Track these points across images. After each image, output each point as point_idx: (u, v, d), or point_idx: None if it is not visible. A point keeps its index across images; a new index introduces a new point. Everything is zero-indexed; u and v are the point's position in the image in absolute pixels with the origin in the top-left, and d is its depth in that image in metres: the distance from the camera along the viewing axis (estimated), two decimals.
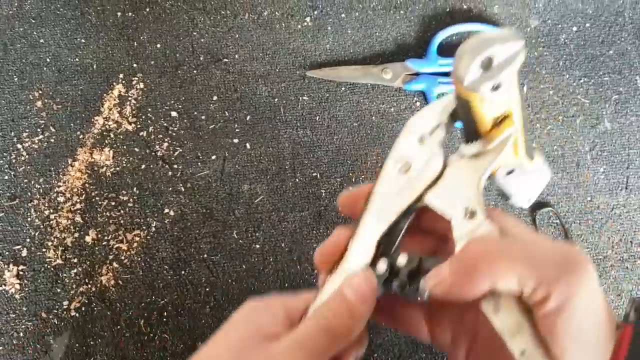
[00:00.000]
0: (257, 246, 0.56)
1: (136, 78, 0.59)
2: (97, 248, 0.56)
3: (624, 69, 0.61)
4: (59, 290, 0.55)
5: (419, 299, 0.27)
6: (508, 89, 0.26)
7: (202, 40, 0.60)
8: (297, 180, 0.58)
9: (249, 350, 0.26)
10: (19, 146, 0.58)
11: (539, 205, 0.58)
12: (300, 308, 0.29)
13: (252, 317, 0.28)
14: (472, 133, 0.28)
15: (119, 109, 0.58)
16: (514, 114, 0.28)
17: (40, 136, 0.58)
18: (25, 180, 0.57)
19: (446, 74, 0.59)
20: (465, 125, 0.29)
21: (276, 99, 0.59)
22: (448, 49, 0.61)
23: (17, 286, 0.55)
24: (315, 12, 0.61)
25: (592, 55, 0.61)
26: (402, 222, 0.29)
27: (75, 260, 0.55)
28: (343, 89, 0.60)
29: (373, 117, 0.59)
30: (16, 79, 0.59)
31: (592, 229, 0.57)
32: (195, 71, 0.60)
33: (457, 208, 0.27)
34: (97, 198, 0.57)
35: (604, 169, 0.59)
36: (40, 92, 0.59)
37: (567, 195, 0.58)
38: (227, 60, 0.60)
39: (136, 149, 0.58)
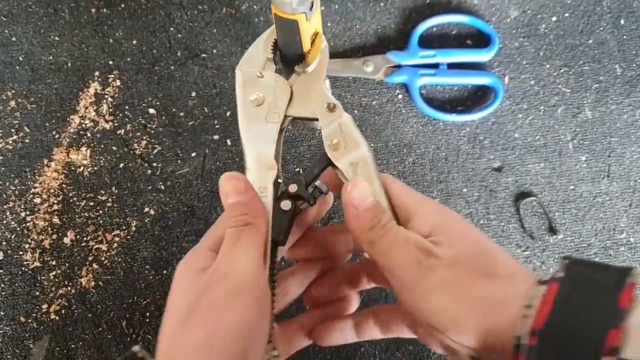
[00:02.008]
0: None
1: (112, 75, 0.60)
2: (76, 249, 0.56)
3: (603, 58, 0.63)
4: (37, 293, 0.55)
5: (323, 193, 0.36)
6: (316, 8, 0.35)
7: (179, 35, 0.61)
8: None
9: (192, 287, 0.29)
10: None
11: (522, 194, 0.60)
12: (222, 236, 0.32)
13: (186, 268, 0.31)
14: (298, 53, 0.36)
15: (95, 107, 0.59)
16: (320, 30, 0.37)
17: (15, 136, 0.58)
18: (0, 182, 0.57)
19: (428, 66, 0.61)
20: (292, 48, 0.36)
21: None
22: (429, 41, 0.62)
23: None
24: None
25: (571, 45, 0.63)
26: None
27: (54, 263, 0.56)
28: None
29: (355, 111, 0.61)
30: None
31: (575, 218, 0.59)
32: (172, 67, 0.61)
33: (320, 107, 0.36)
34: (74, 198, 0.57)
35: (586, 158, 0.61)
36: (13, 91, 0.59)
37: (549, 185, 0.60)
38: (205, 55, 0.61)
39: (114, 148, 0.59)
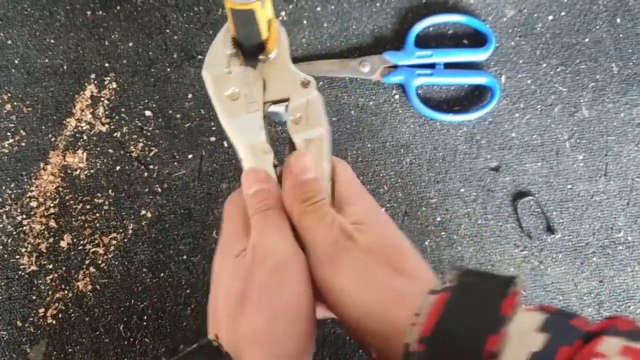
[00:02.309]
0: None
1: (108, 78, 0.60)
2: (72, 253, 0.56)
3: (600, 56, 0.63)
4: (34, 297, 0.55)
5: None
6: None
7: (175, 37, 0.62)
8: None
9: (237, 271, 0.31)
10: None
11: (520, 194, 0.60)
12: (243, 222, 0.34)
13: (222, 255, 0.33)
14: (257, 42, 0.37)
15: (91, 109, 0.59)
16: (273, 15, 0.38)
17: (11, 140, 0.58)
18: None
19: (424, 66, 0.61)
20: (252, 39, 0.37)
21: None
22: (425, 41, 0.63)
23: None
24: (290, 6, 0.63)
25: (568, 44, 0.63)
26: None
27: (51, 266, 0.56)
28: (321, 83, 0.61)
29: (352, 111, 0.61)
30: None
31: (573, 217, 0.60)
32: (169, 69, 0.61)
33: (294, 84, 0.38)
34: (71, 202, 0.57)
35: (583, 157, 0.61)
36: (9, 95, 0.59)
37: (547, 184, 0.60)
38: (201, 57, 0.61)
39: (110, 150, 0.59)
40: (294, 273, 0.30)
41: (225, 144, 0.60)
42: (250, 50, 0.37)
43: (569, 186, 0.60)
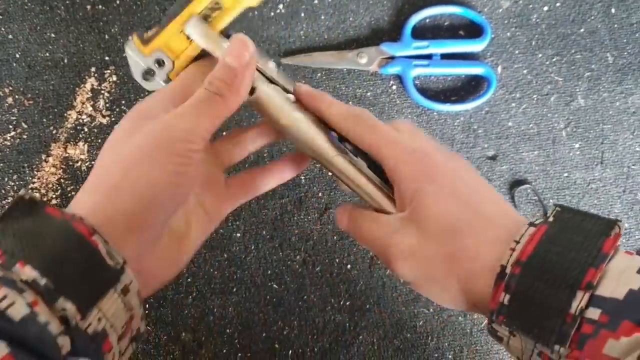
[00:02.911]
0: (238, 235, 0.59)
1: (109, 71, 0.62)
2: None
3: (595, 46, 0.65)
4: None
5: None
6: None
7: None
8: None
9: (144, 120, 0.30)
10: None
11: (517, 182, 0.61)
12: (187, 87, 0.33)
13: (136, 113, 0.32)
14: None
15: (92, 102, 0.61)
16: None
17: (12, 133, 0.60)
18: None
19: (421, 57, 0.62)
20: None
21: None
22: (422, 32, 0.64)
23: None
24: None
25: (563, 34, 0.65)
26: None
27: None
28: (319, 75, 0.63)
29: (350, 102, 0.62)
30: None
31: (570, 204, 0.61)
32: None
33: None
34: (73, 193, 0.59)
35: (580, 145, 0.62)
36: (10, 88, 0.61)
37: (544, 172, 0.62)
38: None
39: None
40: (167, 156, 0.30)
41: (224, 133, 0.61)
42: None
43: (566, 174, 0.62)
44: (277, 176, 0.40)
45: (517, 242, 0.27)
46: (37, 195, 0.57)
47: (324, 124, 0.36)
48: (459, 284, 0.29)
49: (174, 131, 0.30)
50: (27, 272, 0.25)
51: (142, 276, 0.29)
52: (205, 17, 0.34)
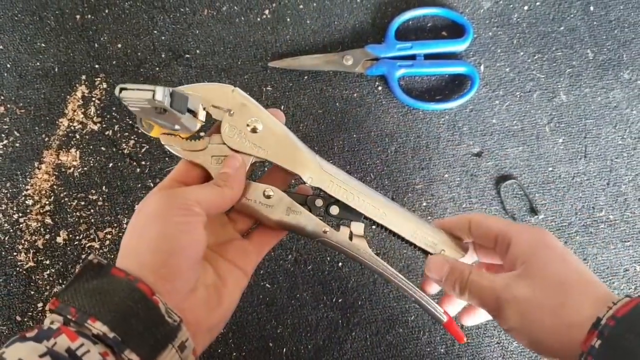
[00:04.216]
0: None
1: (99, 78, 0.64)
2: (69, 248, 0.60)
3: (575, 43, 0.68)
4: (32, 292, 0.59)
5: None
6: None
7: (162, 38, 0.66)
8: (265, 169, 0.63)
9: (167, 193, 0.37)
10: None
11: (502, 177, 0.64)
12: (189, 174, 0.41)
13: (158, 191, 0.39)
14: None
15: (83, 109, 0.63)
16: None
17: (5, 141, 0.62)
18: None
19: (405, 57, 0.65)
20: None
21: None
22: (405, 33, 0.67)
23: None
24: (274, 5, 0.67)
25: (544, 32, 0.68)
26: None
27: (48, 262, 0.59)
28: (306, 77, 0.66)
29: (337, 104, 0.65)
30: None
31: (555, 198, 0.64)
32: (157, 68, 0.65)
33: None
34: (66, 199, 0.61)
35: (563, 140, 0.65)
36: (2, 97, 0.63)
37: (529, 167, 0.64)
38: (188, 56, 0.65)
39: (103, 148, 0.63)
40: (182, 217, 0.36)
41: None
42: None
43: (550, 168, 0.65)
44: None
45: (614, 304, 0.32)
46: (31, 202, 0.59)
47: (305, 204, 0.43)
48: (557, 328, 0.34)
49: (177, 194, 0.37)
50: (98, 326, 0.30)
51: (189, 327, 0.34)
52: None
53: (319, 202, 0.42)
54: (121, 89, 0.34)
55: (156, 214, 0.35)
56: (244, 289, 0.41)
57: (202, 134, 0.41)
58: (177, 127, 0.38)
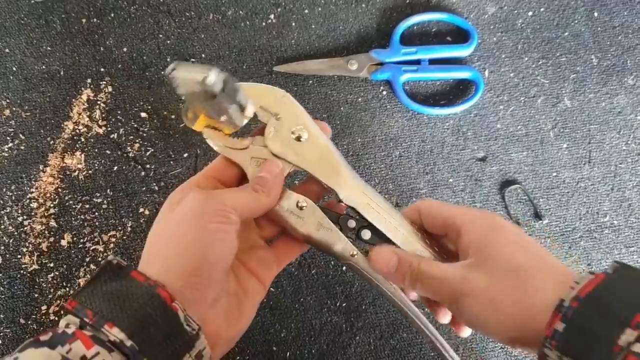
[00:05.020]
0: None
1: (104, 82, 0.65)
2: (73, 251, 0.60)
3: (580, 49, 0.69)
4: (36, 295, 0.59)
5: None
6: None
7: (168, 42, 0.66)
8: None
9: (201, 195, 0.36)
10: None
11: (507, 182, 0.65)
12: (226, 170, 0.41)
13: (188, 186, 0.39)
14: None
15: (88, 113, 0.64)
16: None
17: (10, 144, 0.63)
18: None
19: (410, 62, 0.66)
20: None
21: None
22: (410, 38, 0.68)
23: None
24: (279, 10, 0.68)
25: (548, 38, 0.69)
26: None
27: (52, 265, 0.60)
28: (311, 82, 0.66)
29: (342, 108, 0.66)
30: None
31: (559, 203, 0.64)
32: (162, 72, 0.66)
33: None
34: (70, 202, 0.62)
35: (567, 145, 0.66)
36: (7, 100, 0.64)
37: (533, 172, 0.65)
38: (194, 60, 0.66)
39: (108, 152, 0.63)
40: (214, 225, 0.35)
41: None
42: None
43: (554, 174, 0.65)
44: None
45: (577, 284, 0.31)
46: (35, 205, 0.60)
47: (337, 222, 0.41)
48: (520, 316, 0.33)
49: (215, 198, 0.36)
50: (115, 333, 0.29)
51: (209, 337, 0.33)
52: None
53: (352, 223, 0.41)
54: (173, 68, 0.33)
55: (191, 217, 0.34)
56: (259, 302, 0.40)
57: (246, 138, 0.41)
58: (223, 118, 0.37)
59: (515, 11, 0.70)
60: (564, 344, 0.30)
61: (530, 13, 0.70)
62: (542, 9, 0.70)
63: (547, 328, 0.31)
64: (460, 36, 0.68)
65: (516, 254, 0.35)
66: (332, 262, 0.62)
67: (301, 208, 0.40)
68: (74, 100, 0.65)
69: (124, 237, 0.61)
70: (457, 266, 0.36)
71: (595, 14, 0.70)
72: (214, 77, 0.33)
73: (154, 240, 0.35)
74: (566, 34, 0.69)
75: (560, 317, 0.30)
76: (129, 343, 0.29)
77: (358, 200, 0.40)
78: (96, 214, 0.62)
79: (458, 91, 0.67)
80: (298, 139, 0.40)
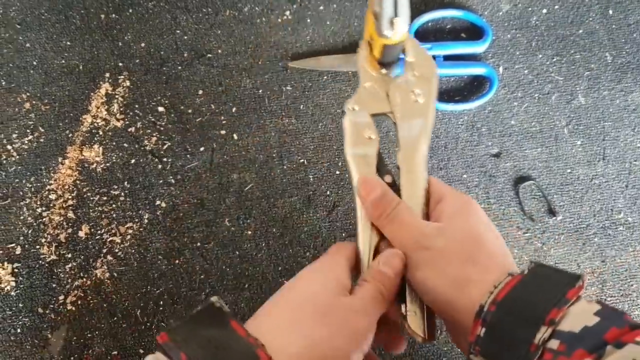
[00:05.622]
0: (249, 232, 0.62)
1: (122, 76, 0.66)
2: (90, 242, 0.61)
3: (594, 46, 0.69)
4: (54, 285, 0.60)
5: None
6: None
7: (185, 37, 0.67)
8: (284, 167, 0.64)
9: (332, 297, 0.35)
10: (9, 147, 0.64)
11: (521, 179, 0.65)
12: (353, 257, 0.40)
13: (333, 265, 0.38)
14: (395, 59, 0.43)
15: (106, 106, 0.65)
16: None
17: (30, 137, 0.64)
18: (17, 180, 0.63)
19: None
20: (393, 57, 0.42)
21: (260, 90, 0.66)
22: (425, 35, 0.68)
23: (13, 283, 0.60)
24: (295, 6, 0.69)
25: (562, 35, 0.69)
26: None
27: (70, 255, 0.61)
28: (325, 77, 0.67)
29: None
30: (4, 83, 0.65)
31: (573, 199, 0.64)
32: (180, 67, 0.66)
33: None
34: (88, 194, 0.62)
35: (582, 142, 0.66)
36: (28, 94, 0.65)
37: (547, 169, 0.65)
38: (210, 55, 0.67)
39: (125, 145, 0.64)
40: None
41: (235, 136, 0.65)
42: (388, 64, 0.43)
43: (569, 170, 0.65)
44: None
45: (495, 287, 0.32)
46: (54, 196, 0.61)
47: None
48: (460, 288, 0.34)
49: (358, 326, 0.34)
50: None
51: None
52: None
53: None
54: None
55: (337, 334, 0.33)
56: None
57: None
58: (384, 29, 0.38)
59: (530, 8, 0.70)
60: (485, 349, 0.31)
61: (544, 10, 0.70)
62: (556, 7, 0.70)
63: (471, 334, 0.32)
64: (474, 33, 0.69)
65: (479, 229, 0.37)
66: None
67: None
68: (92, 94, 0.66)
69: (141, 229, 0.62)
70: (428, 224, 0.38)
71: (610, 12, 0.70)
72: None
73: (284, 312, 0.34)
74: (580, 31, 0.69)
75: (480, 322, 0.31)
76: None
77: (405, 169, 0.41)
78: (113, 206, 0.63)
79: (472, 87, 0.68)
80: (415, 100, 0.41)
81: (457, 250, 0.35)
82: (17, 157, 0.63)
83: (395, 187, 0.41)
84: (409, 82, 0.42)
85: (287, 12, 0.69)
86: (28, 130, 0.64)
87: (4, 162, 0.63)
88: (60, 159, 0.64)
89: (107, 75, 0.66)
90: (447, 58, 0.67)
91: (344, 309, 0.34)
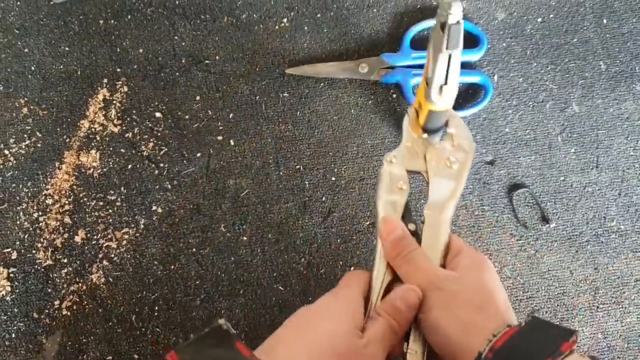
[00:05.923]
0: (245, 238, 0.63)
1: (120, 82, 0.66)
2: (86, 247, 0.61)
3: (588, 55, 0.69)
4: (49, 290, 0.60)
5: None
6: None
7: (183, 43, 0.68)
8: (281, 173, 0.65)
9: (349, 339, 0.37)
10: (6, 152, 0.64)
11: (515, 186, 0.65)
12: (367, 288, 0.42)
13: (349, 300, 0.40)
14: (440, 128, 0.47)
15: (104, 112, 0.65)
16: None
17: (27, 141, 0.64)
18: (14, 185, 0.63)
19: (420, 66, 0.67)
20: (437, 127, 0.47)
21: (257, 97, 0.67)
22: (420, 43, 0.69)
23: (8, 288, 0.60)
24: (292, 13, 0.69)
25: (557, 44, 0.70)
26: None
27: (65, 260, 0.61)
28: (322, 84, 0.67)
29: (352, 110, 0.67)
30: (2, 88, 0.66)
31: (566, 207, 0.65)
32: (177, 73, 0.67)
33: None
34: (85, 199, 0.63)
35: (575, 150, 0.66)
36: (25, 99, 0.65)
37: (541, 176, 0.66)
38: (208, 61, 0.67)
39: (122, 150, 0.64)
40: None
41: (232, 142, 0.65)
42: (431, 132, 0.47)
43: (562, 178, 0.66)
44: None
45: (494, 336, 0.34)
46: (50, 201, 0.61)
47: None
48: (468, 333, 0.36)
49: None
50: None
51: None
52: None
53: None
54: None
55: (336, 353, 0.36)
56: None
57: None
58: (433, 95, 0.41)
59: (525, 17, 0.70)
60: None
61: (539, 19, 0.70)
62: (551, 16, 0.71)
63: None
64: (470, 41, 0.69)
65: (493, 284, 0.39)
66: (341, 262, 0.63)
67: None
68: (90, 99, 0.66)
69: (137, 235, 0.62)
70: (443, 270, 0.40)
71: (604, 21, 0.70)
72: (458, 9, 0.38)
73: (302, 338, 0.37)
74: (575, 40, 0.70)
75: None
76: None
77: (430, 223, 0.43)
78: (110, 211, 0.63)
79: (467, 95, 0.68)
80: (449, 166, 0.44)
81: (469, 296, 0.37)
82: (14, 161, 0.64)
83: (417, 236, 0.43)
84: (446, 150, 0.45)
85: (285, 20, 0.69)
86: (25, 135, 0.65)
87: (1, 166, 0.63)
88: (57, 164, 0.64)
89: (105, 80, 0.66)
90: None
91: (358, 354, 0.36)
